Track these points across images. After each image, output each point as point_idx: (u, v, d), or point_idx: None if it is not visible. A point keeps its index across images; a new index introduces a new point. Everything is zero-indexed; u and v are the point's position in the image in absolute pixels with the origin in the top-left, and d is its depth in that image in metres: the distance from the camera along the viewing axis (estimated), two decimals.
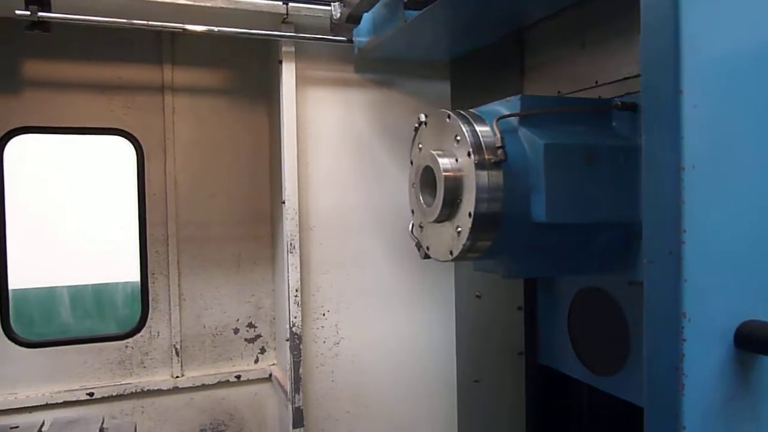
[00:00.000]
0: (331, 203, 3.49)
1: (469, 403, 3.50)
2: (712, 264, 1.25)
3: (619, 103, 2.14)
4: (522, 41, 3.00)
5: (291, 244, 3.33)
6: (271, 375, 3.89)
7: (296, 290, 3.33)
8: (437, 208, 2.19)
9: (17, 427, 2.58)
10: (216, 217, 3.86)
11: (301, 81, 3.36)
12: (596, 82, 2.48)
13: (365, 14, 3.16)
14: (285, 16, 3.22)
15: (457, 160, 2.14)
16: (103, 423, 2.69)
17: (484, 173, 2.02)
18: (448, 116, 2.19)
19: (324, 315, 3.47)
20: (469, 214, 2.05)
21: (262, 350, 3.96)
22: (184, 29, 3.15)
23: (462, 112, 2.21)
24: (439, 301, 3.71)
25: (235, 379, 3.85)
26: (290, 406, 3.31)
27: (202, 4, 3.05)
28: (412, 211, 2.49)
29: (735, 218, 1.28)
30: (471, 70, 3.42)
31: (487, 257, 2.24)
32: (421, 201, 2.35)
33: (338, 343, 3.50)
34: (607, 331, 2.46)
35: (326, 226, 3.48)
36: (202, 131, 3.82)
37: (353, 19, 3.10)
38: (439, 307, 3.72)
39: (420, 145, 2.41)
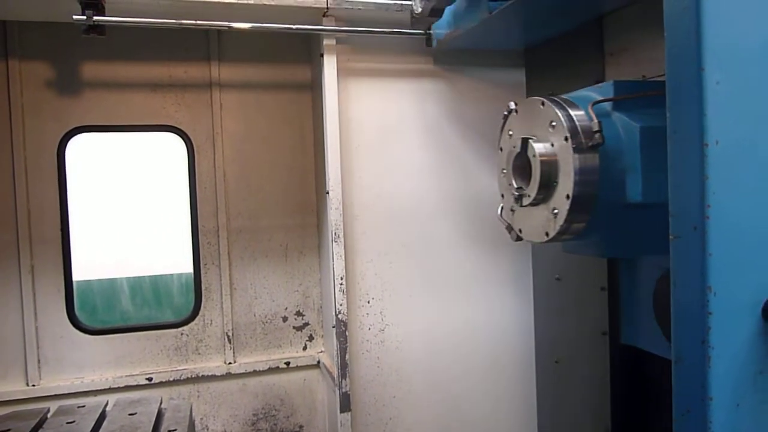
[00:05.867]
0: (374, 193, 3.55)
1: (550, 384, 3.54)
2: (737, 238, 1.24)
3: None
4: (602, 28, 3.04)
5: (335, 233, 3.40)
6: (319, 362, 3.99)
7: (341, 278, 3.41)
8: (533, 191, 2.27)
9: (84, 406, 2.75)
10: (263, 208, 3.97)
11: (343, 72, 3.42)
12: None
13: None
14: (326, 10, 3.29)
15: (552, 145, 2.22)
16: (161, 404, 2.83)
17: (581, 156, 2.10)
18: (542, 103, 2.27)
19: (369, 302, 3.54)
20: (567, 197, 2.12)
21: (310, 338, 4.07)
22: (230, 27, 3.26)
23: (555, 98, 2.28)
24: (485, 286, 3.76)
25: (285, 366, 3.97)
26: (338, 391, 3.40)
27: (247, 1, 3.14)
28: (502, 195, 2.59)
29: (760, 193, 1.27)
30: (547, 57, 3.45)
31: (578, 238, 2.32)
32: (513, 185, 2.43)
33: (383, 330, 3.56)
34: None
35: (370, 216, 3.54)
36: (248, 125, 3.93)
37: (436, 12, 3.15)
38: (486, 292, 3.76)
39: (510, 132, 2.49)
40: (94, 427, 2.47)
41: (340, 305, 3.40)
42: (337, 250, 3.40)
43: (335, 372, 3.45)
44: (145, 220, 4.96)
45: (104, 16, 2.96)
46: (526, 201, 2.34)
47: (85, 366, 3.67)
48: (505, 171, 2.53)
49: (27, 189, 3.54)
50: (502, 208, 2.61)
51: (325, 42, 3.36)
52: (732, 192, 1.25)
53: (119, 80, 3.70)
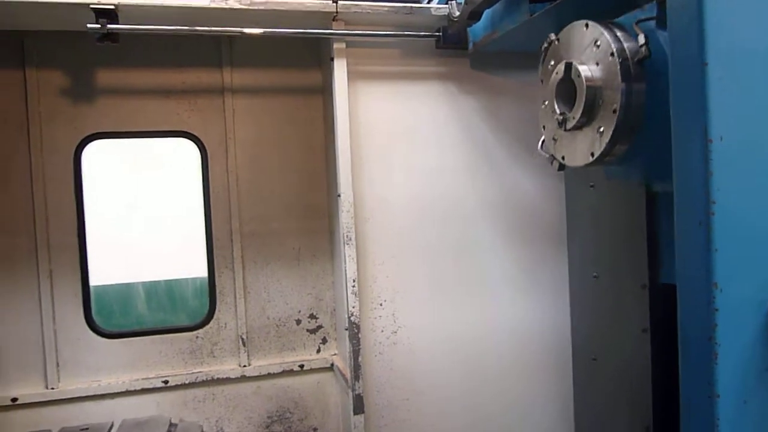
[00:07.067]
0: (385, 196, 3.55)
1: (587, 382, 3.47)
2: (743, 234, 1.23)
3: None
4: None
5: (347, 236, 3.42)
6: (332, 365, 4.00)
7: (353, 281, 3.42)
8: (578, 112, 2.30)
9: (87, 429, 2.70)
10: (276, 212, 4.00)
11: (352, 76, 3.43)
12: None
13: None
14: (335, 14, 3.31)
15: (597, 64, 2.24)
16: (170, 425, 2.76)
17: (628, 71, 2.12)
18: (586, 25, 2.31)
19: (381, 305, 3.55)
20: (614, 111, 2.14)
21: (324, 341, 4.08)
22: (242, 32, 3.29)
23: (599, 21, 2.31)
24: (504, 287, 3.76)
25: (299, 369, 3.99)
26: (351, 393, 3.41)
27: (257, 8, 3.17)
28: (543, 128, 2.63)
29: (765, 189, 1.26)
30: None
31: (623, 162, 2.32)
32: (557, 111, 2.45)
33: (396, 332, 3.56)
34: None
35: (381, 218, 3.55)
36: (260, 130, 3.96)
37: (475, 15, 3.17)
38: (505, 293, 3.75)
39: (551, 63, 2.54)
40: None
41: (353, 308, 3.42)
42: (348, 253, 3.41)
43: (348, 374, 3.46)
44: (160, 225, 5.00)
45: (117, 24, 3.00)
46: (570, 124, 2.36)
47: (103, 369, 3.72)
48: (546, 102, 2.56)
49: (45, 195, 3.60)
50: (543, 141, 2.64)
51: (335, 46, 3.38)
52: (737, 188, 1.24)
53: (133, 87, 3.76)
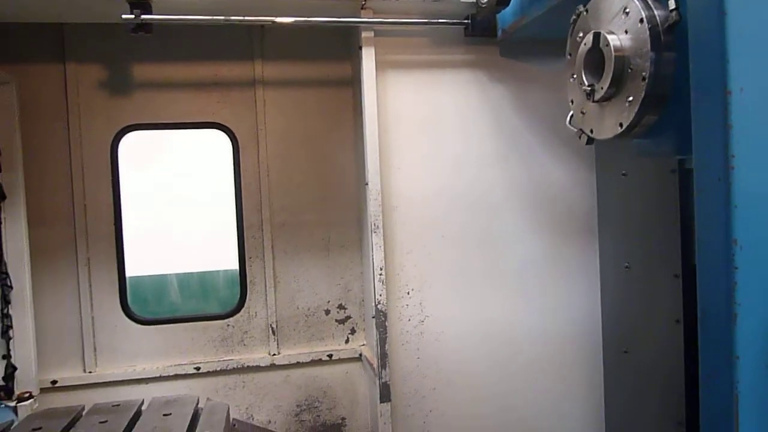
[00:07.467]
0: (413, 185, 3.55)
1: (618, 375, 3.46)
2: (763, 190, 1.17)
3: None
4: None
5: (375, 224, 3.43)
6: (361, 355, 4.01)
7: (380, 269, 3.42)
8: (606, 82, 2.25)
9: (119, 405, 2.74)
10: (305, 203, 4.03)
11: (381, 65, 3.44)
12: None
13: None
14: (363, 2, 3.32)
15: (626, 32, 2.20)
16: (197, 404, 2.78)
17: (658, 38, 2.06)
18: None
19: (408, 293, 3.54)
20: (643, 79, 2.09)
21: (352, 331, 4.09)
22: (273, 21, 3.32)
23: None
24: (530, 279, 3.72)
25: (328, 358, 4.01)
26: (378, 382, 3.41)
27: None
28: (571, 101, 2.59)
29: None
30: None
31: (652, 135, 2.24)
32: (585, 83, 2.41)
33: (423, 321, 3.56)
34: None
35: (409, 207, 3.55)
36: (290, 121, 4.00)
37: (503, 1, 3.16)
38: (532, 285, 3.72)
39: (580, 35, 2.50)
40: (126, 427, 2.40)
41: (380, 296, 3.42)
42: (376, 241, 3.42)
43: (375, 362, 3.46)
44: (192, 218, 5.08)
45: (151, 14, 3.07)
46: (598, 95, 2.31)
47: (138, 355, 3.81)
48: (575, 76, 2.51)
49: (83, 186, 3.71)
50: (571, 115, 2.60)
51: (364, 35, 3.39)
52: (758, 141, 1.19)
53: (167, 80, 3.84)
